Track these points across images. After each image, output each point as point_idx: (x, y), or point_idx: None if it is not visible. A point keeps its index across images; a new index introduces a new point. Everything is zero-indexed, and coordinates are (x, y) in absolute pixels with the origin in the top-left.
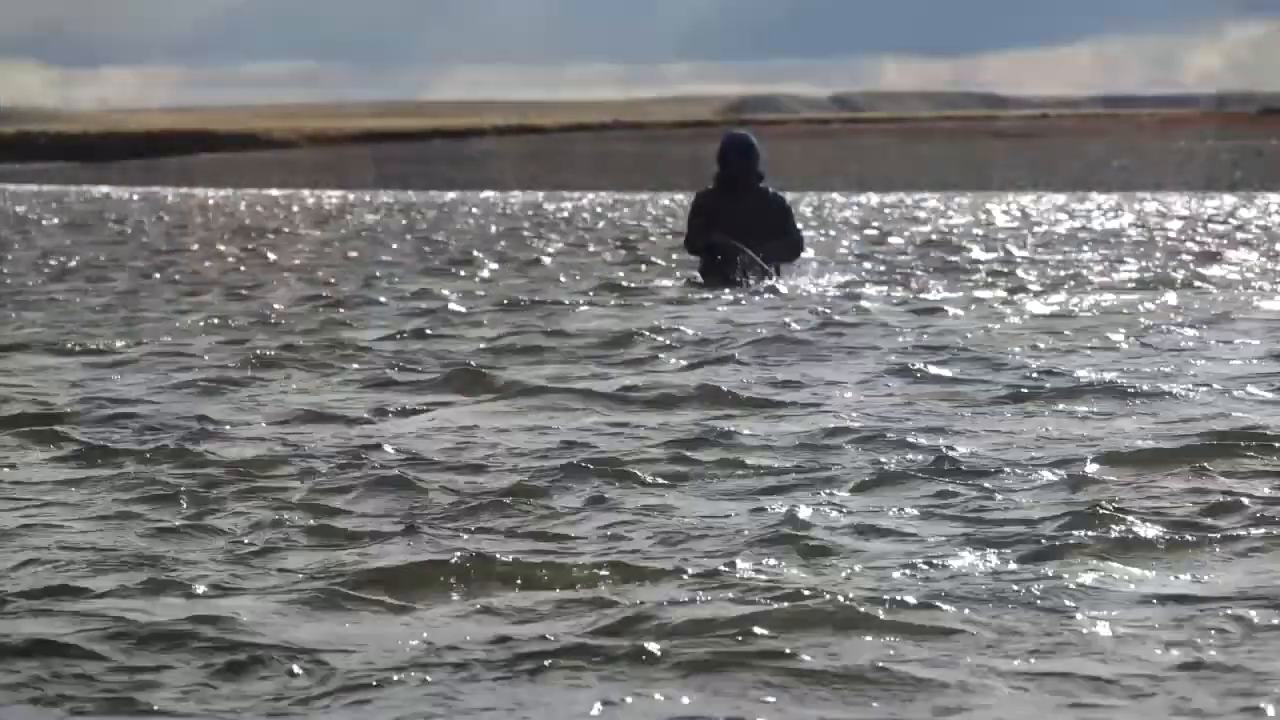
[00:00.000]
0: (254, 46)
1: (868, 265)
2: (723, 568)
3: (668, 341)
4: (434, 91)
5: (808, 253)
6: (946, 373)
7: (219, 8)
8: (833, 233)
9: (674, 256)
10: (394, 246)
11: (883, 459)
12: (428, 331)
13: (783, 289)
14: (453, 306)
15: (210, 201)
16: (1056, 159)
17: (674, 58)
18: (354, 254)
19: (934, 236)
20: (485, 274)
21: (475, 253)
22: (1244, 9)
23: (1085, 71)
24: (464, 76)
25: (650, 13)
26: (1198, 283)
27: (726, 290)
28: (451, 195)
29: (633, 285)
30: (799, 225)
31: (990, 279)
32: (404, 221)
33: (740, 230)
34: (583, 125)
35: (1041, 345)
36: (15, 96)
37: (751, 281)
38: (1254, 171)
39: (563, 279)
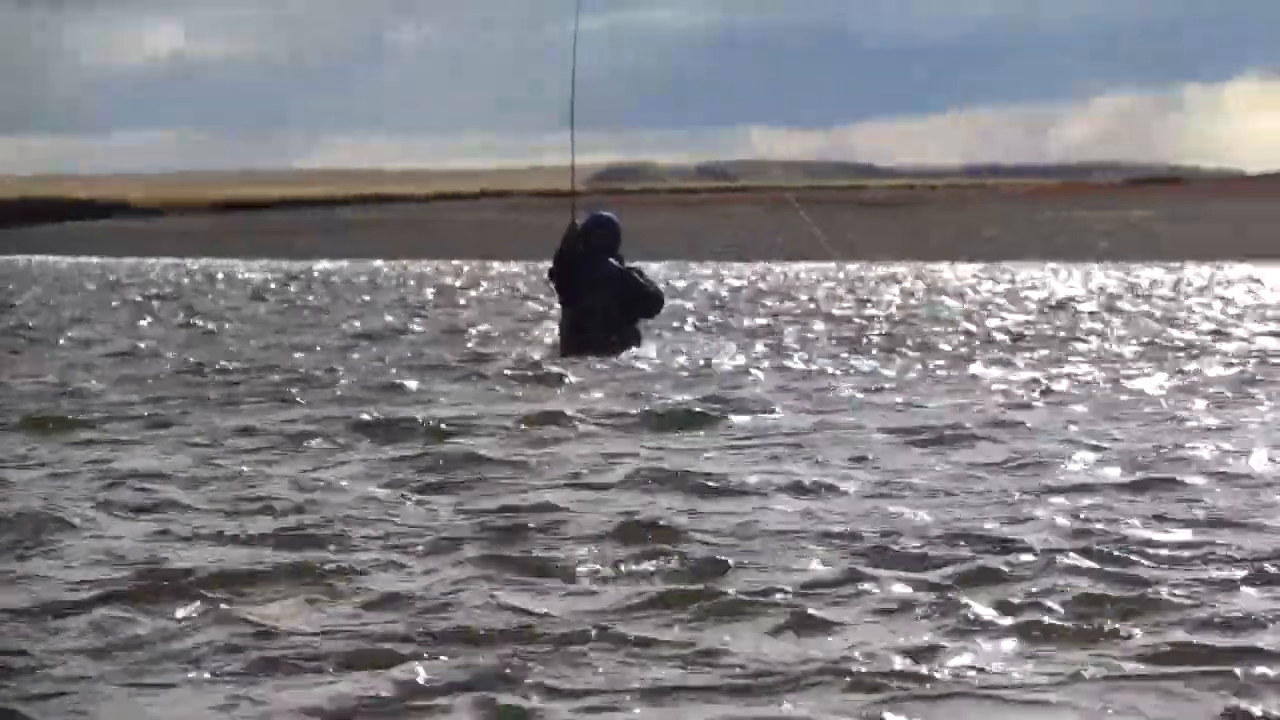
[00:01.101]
0: (125, 115)
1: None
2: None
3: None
4: (307, 160)
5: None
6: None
7: (89, 77)
8: (690, 304)
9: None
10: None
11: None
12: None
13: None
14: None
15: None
16: (926, 229)
17: (545, 127)
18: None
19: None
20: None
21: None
22: (1110, 80)
23: (954, 141)
24: (337, 145)
25: (521, 83)
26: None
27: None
28: (324, 264)
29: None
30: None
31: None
32: (292, 289)
33: (603, 283)
34: (455, 194)
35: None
36: None
37: (614, 348)
38: (1122, 243)
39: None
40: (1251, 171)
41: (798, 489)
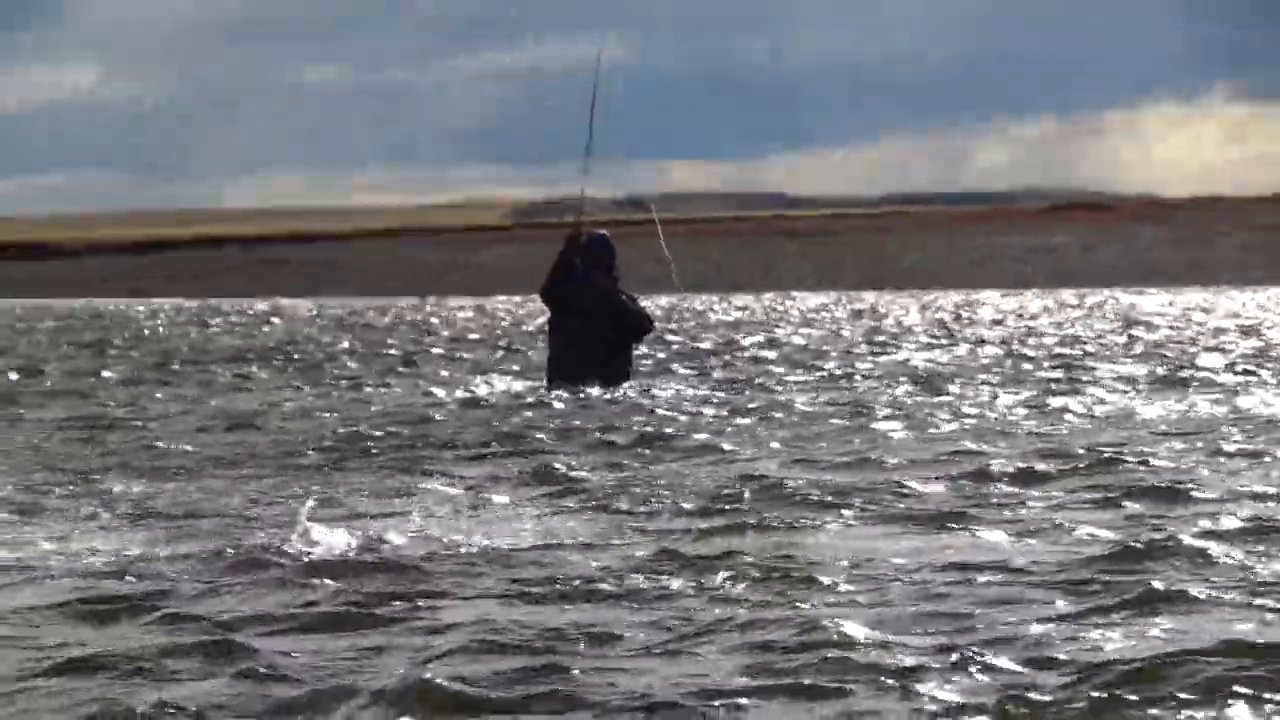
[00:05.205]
0: (40, 156)
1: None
2: None
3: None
4: (224, 199)
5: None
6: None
7: (2, 118)
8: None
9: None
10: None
11: None
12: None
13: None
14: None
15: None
16: (853, 258)
17: (460, 161)
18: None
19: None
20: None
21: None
22: (1028, 106)
23: (873, 170)
24: (252, 183)
25: (433, 117)
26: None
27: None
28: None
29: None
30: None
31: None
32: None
33: (593, 301)
34: (378, 232)
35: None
36: None
37: (596, 388)
38: (1042, 268)
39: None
40: (1169, 195)
41: None
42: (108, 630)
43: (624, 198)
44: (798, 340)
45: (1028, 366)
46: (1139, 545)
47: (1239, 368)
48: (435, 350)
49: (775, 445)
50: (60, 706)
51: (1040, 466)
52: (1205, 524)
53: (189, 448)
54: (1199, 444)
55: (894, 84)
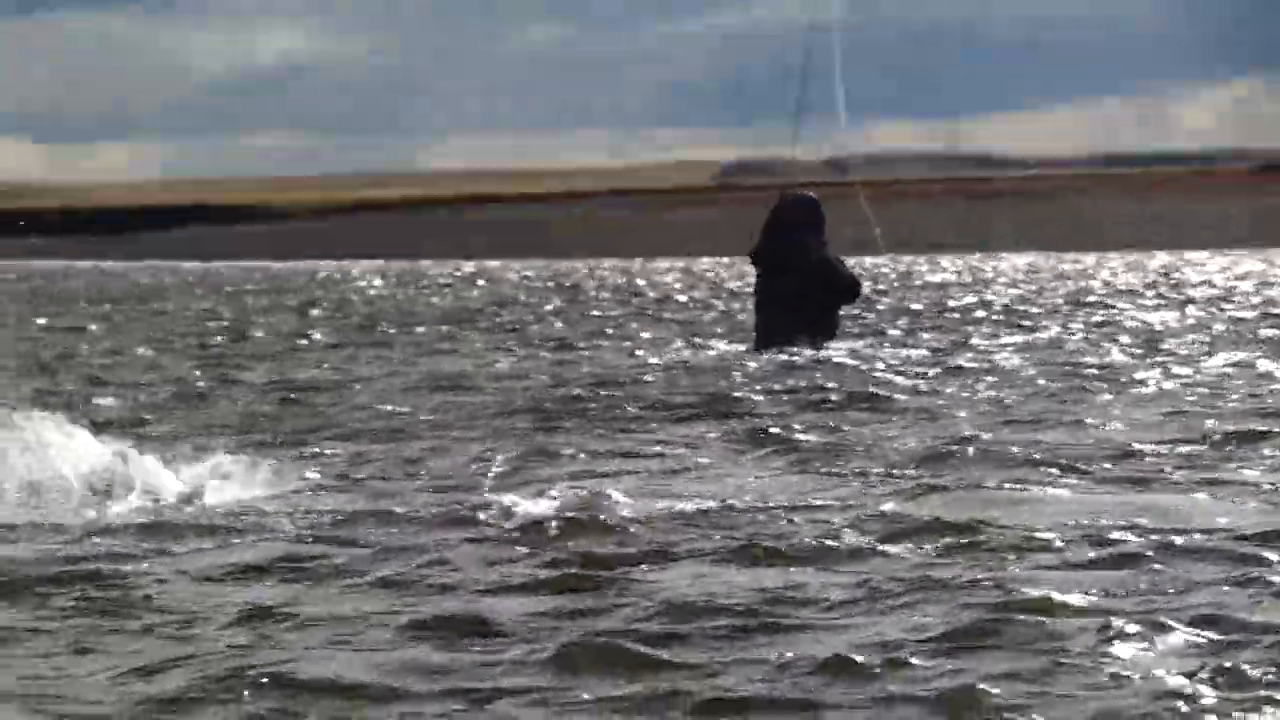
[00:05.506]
0: (242, 120)
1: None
2: None
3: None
4: (426, 161)
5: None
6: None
7: (202, 82)
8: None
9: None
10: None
11: None
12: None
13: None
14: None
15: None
16: (1058, 219)
17: (661, 122)
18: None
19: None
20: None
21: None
22: (1233, 66)
23: (1076, 131)
24: (452, 145)
25: (634, 78)
26: None
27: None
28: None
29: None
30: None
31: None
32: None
33: (804, 266)
34: (584, 193)
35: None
36: (5, 172)
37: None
38: (1250, 229)
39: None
40: None
41: None
42: (316, 591)
43: (828, 159)
44: (1006, 301)
45: (1239, 328)
46: None
47: None
48: (644, 312)
49: (985, 406)
50: (267, 664)
51: (1254, 427)
52: None
53: (397, 409)
54: None
55: (1098, 43)
